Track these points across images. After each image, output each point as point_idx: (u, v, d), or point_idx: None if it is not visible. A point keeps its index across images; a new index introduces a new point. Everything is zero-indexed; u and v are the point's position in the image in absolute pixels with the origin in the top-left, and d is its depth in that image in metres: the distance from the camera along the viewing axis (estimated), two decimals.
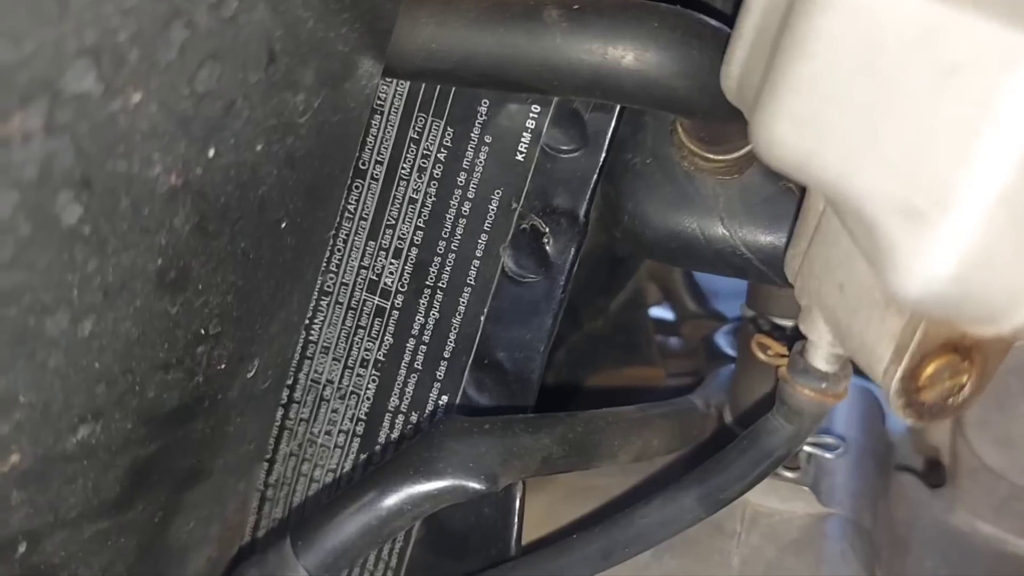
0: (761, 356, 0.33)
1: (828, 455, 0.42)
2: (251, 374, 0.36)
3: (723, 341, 0.55)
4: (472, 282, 0.39)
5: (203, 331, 0.31)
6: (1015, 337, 0.23)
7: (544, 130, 0.37)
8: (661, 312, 0.62)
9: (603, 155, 0.37)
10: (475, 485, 0.33)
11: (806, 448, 0.43)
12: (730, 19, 0.31)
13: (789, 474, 0.43)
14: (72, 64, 0.22)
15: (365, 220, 0.40)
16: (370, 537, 0.33)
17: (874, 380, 0.27)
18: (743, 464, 0.32)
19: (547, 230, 0.38)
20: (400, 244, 0.40)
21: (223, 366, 0.33)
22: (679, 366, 0.58)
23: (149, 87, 0.24)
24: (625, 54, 0.33)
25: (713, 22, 0.34)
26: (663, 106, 0.35)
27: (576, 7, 0.33)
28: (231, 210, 0.29)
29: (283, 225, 0.33)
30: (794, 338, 0.33)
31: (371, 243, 0.40)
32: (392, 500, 0.33)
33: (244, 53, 0.27)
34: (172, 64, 0.25)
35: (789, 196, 0.38)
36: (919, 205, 0.22)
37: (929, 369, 0.25)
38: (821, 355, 0.30)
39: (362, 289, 0.41)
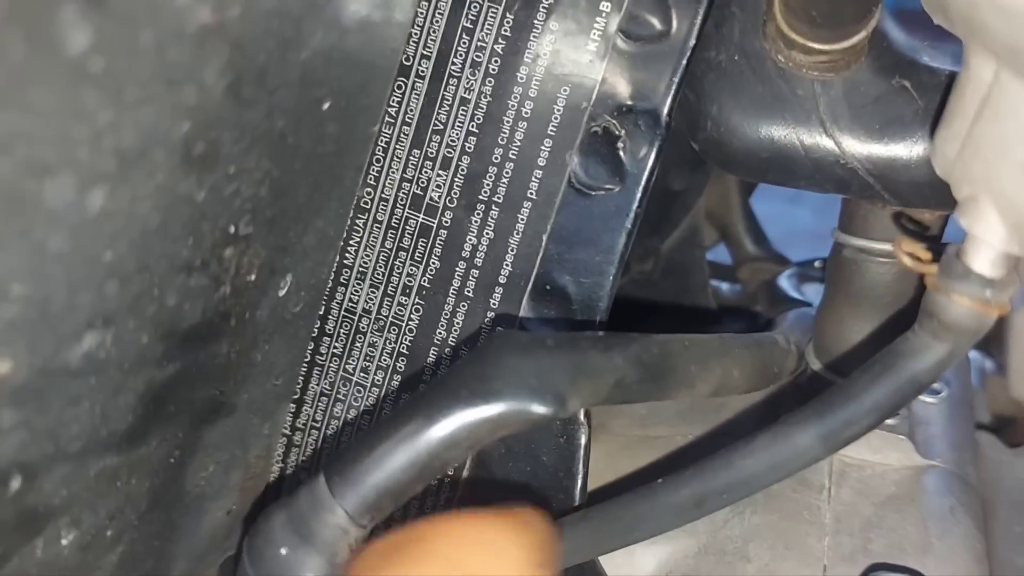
0: (907, 262, 0.27)
1: (930, 399, 0.37)
2: (283, 292, 0.31)
3: (787, 284, 0.50)
4: (533, 196, 0.34)
5: (232, 229, 0.26)
6: None
7: (622, 13, 0.32)
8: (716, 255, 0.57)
9: (692, 42, 0.32)
10: (540, 408, 0.28)
11: None
12: None
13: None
14: None
15: (409, 125, 0.35)
16: (416, 472, 0.28)
17: None
18: (876, 393, 0.27)
19: (622, 133, 0.33)
20: (449, 152, 0.35)
21: (252, 277, 0.29)
22: (736, 314, 0.53)
23: None
24: None
25: None
26: None
27: None
28: (270, 74, 0.24)
29: (325, 106, 0.28)
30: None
31: (415, 152, 0.35)
32: (442, 428, 0.27)
33: None
34: None
35: (903, 96, 0.33)
36: None
37: None
38: (987, 256, 0.25)
39: (404, 205, 0.35)
